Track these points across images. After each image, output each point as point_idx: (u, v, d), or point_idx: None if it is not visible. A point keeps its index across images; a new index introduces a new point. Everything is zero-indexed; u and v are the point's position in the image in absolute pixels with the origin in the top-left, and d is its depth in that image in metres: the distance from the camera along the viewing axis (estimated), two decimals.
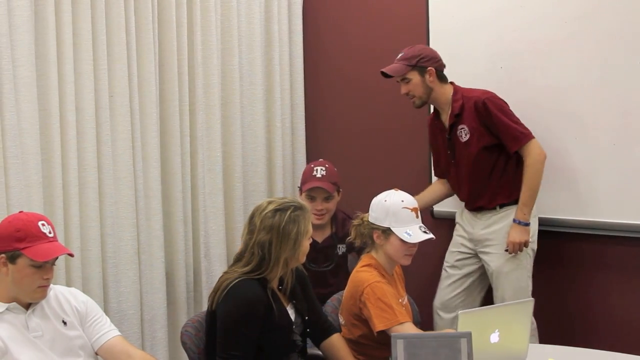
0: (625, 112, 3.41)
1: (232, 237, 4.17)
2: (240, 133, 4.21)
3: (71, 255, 2.60)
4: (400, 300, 2.93)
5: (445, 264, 3.75)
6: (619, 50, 3.43)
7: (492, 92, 3.49)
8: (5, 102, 3.17)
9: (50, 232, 2.51)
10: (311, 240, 2.83)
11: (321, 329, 2.95)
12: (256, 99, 4.31)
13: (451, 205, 3.88)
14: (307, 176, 3.80)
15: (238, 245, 3.42)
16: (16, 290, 2.47)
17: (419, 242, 2.90)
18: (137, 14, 3.66)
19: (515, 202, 3.46)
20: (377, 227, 2.93)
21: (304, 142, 4.60)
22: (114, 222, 3.58)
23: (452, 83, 3.58)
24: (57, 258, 2.52)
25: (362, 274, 2.92)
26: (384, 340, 2.69)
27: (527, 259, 3.47)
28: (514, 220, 3.42)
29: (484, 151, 3.47)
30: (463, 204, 3.71)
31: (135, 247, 3.65)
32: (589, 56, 3.50)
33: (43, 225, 2.49)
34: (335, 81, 4.52)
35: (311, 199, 3.74)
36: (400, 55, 3.55)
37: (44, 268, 2.46)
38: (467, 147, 3.50)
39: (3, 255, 2.45)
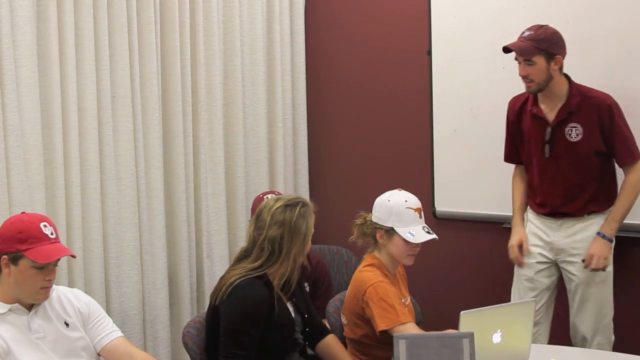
0: (627, 112, 3.40)
1: (234, 238, 4.17)
2: (243, 133, 4.21)
3: (73, 256, 2.60)
4: (402, 301, 2.93)
5: (520, 277, 3.42)
6: (620, 50, 3.42)
7: (612, 97, 3.23)
8: (8, 102, 3.17)
9: (52, 234, 2.50)
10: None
11: (316, 330, 2.96)
12: (258, 99, 4.31)
13: (454, 205, 3.87)
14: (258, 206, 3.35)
15: (240, 246, 3.39)
16: (18, 292, 2.47)
17: (422, 243, 2.90)
18: (139, 14, 3.66)
19: (604, 211, 3.26)
20: (381, 227, 2.93)
21: (306, 142, 4.60)
22: (116, 223, 3.58)
23: (566, 75, 3.27)
24: (59, 259, 2.52)
25: (365, 273, 2.92)
26: (386, 340, 2.69)
27: (612, 273, 3.28)
28: (599, 234, 3.21)
29: (595, 156, 3.22)
30: (527, 208, 3.44)
31: (138, 248, 3.65)
32: (590, 56, 3.49)
33: (45, 226, 2.49)
34: (337, 81, 4.52)
35: None
36: (528, 33, 3.18)
37: (46, 269, 2.46)
38: (575, 148, 3.21)
39: (5, 256, 2.45)
